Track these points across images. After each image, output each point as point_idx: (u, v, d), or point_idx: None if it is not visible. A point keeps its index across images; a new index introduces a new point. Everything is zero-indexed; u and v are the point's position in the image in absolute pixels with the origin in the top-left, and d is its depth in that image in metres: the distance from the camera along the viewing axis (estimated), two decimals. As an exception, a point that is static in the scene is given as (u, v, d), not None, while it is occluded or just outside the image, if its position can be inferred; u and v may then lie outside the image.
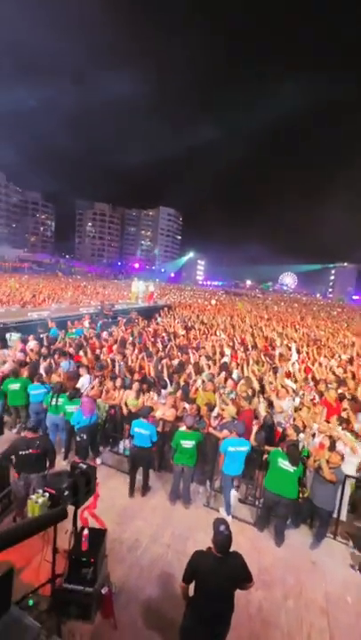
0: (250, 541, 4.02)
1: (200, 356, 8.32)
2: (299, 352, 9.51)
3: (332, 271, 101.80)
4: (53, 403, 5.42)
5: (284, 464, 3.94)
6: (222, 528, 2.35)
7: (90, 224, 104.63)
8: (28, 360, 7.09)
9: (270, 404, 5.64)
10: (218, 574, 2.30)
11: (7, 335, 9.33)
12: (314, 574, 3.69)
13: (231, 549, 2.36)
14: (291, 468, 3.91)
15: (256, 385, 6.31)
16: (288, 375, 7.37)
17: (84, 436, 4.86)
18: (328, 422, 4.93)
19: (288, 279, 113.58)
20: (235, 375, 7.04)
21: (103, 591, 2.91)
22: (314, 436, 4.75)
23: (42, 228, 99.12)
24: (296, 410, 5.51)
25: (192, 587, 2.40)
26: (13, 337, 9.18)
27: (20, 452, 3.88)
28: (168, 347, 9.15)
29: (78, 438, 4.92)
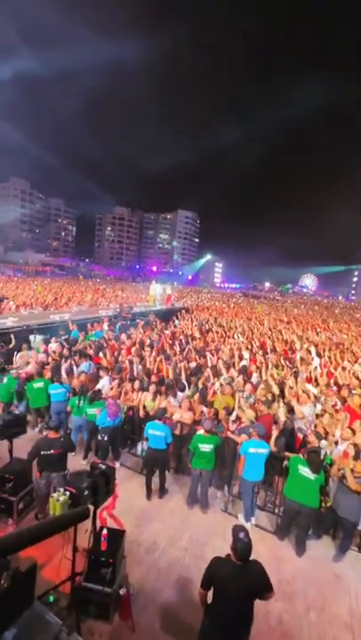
0: (270, 550, 3.93)
1: (218, 358, 8.26)
2: (320, 356, 9.23)
3: (356, 272, 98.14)
4: (79, 404, 5.57)
5: (305, 471, 3.83)
6: (242, 535, 2.31)
7: (109, 228, 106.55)
8: (49, 361, 7.31)
9: (291, 410, 5.50)
10: (237, 582, 2.26)
11: (31, 337, 9.67)
12: (337, 588, 3.55)
13: (250, 557, 2.32)
14: (311, 476, 3.79)
15: (276, 389, 6.18)
16: (309, 380, 7.18)
17: (105, 437, 4.93)
18: (352, 429, 4.75)
19: (308, 281, 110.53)
20: (254, 379, 6.94)
21: (121, 592, 2.93)
22: (337, 443, 4.59)
23: (63, 233, 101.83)
24: (318, 416, 5.34)
25: (210, 593, 2.37)
26: (37, 339, 9.50)
27: (42, 452, 4.00)
28: (186, 349, 9.14)
29: (99, 437, 5.00)
